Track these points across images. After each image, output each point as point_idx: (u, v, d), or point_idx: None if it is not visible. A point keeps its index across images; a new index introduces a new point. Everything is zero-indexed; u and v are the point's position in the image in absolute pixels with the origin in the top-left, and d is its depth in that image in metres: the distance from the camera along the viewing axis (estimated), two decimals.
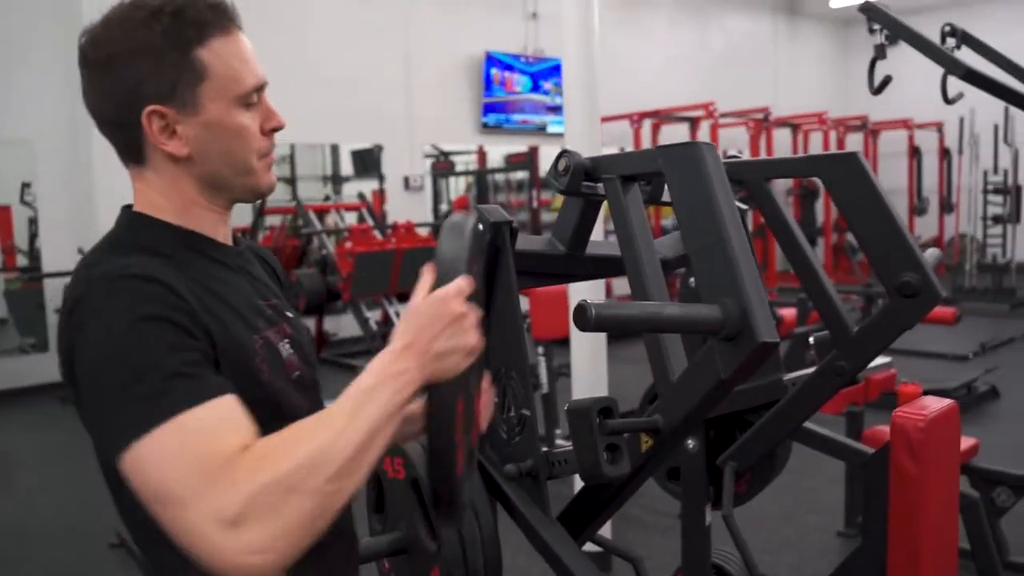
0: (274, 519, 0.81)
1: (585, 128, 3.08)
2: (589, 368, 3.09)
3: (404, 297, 7.70)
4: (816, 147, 12.26)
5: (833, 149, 12.54)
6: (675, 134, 10.72)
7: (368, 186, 9.46)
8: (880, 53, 3.03)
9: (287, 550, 0.83)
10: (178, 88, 0.99)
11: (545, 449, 1.59)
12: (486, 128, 9.79)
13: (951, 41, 3.28)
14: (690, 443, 2.21)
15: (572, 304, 3.30)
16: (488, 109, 9.75)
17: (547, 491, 1.58)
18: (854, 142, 12.85)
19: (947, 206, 12.77)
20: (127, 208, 1.07)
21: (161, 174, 1.04)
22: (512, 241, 1.63)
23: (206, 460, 0.83)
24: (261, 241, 8.29)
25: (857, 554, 1.60)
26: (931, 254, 2.12)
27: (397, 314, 7.60)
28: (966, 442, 3.25)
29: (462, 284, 1.02)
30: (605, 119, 10.05)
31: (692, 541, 2.33)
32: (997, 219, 10.82)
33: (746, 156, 1.89)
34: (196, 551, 0.82)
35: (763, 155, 10.43)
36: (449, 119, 9.47)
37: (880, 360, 3.67)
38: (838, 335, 1.89)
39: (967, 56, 3.08)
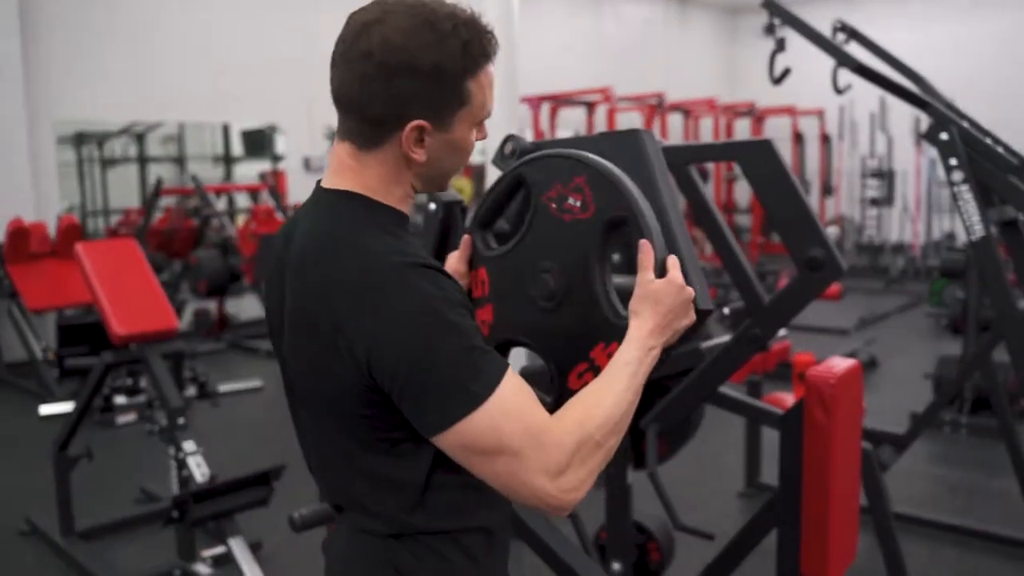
0: (586, 467, 1.03)
1: (506, 111, 3.20)
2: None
3: None
4: (707, 132, 12.71)
5: (723, 134, 13.03)
6: (572, 118, 10.96)
7: (260, 167, 9.33)
8: (780, 46, 3.25)
9: (588, 487, 1.05)
10: (443, 112, 1.10)
11: None
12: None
13: (841, 36, 3.55)
14: None
15: None
16: None
17: None
18: (742, 127, 13.37)
19: (828, 189, 13.45)
20: (343, 191, 1.13)
21: (386, 165, 1.12)
22: (463, 219, 1.74)
23: (530, 423, 1.02)
24: (156, 222, 8.11)
25: (773, 501, 1.78)
26: (832, 232, 2.33)
27: None
28: None
29: (678, 265, 1.20)
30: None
31: (615, 500, 2.49)
32: (874, 202, 11.47)
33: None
34: (520, 492, 1.02)
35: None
36: None
37: (779, 332, 3.93)
38: (752, 305, 2.08)
39: (853, 50, 3.34)
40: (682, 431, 2.53)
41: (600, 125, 10.59)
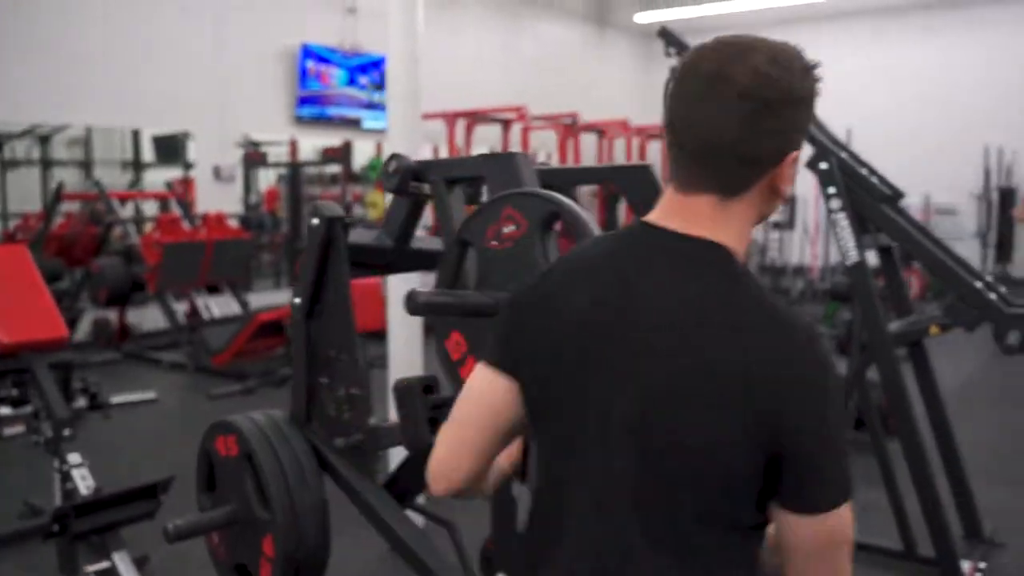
0: None
1: (407, 125, 3.24)
2: (405, 357, 3.26)
3: (213, 289, 7.57)
4: (620, 153, 12.96)
5: (635, 155, 13.32)
6: (488, 134, 11.05)
7: (171, 174, 9.17)
8: (674, 75, 3.37)
9: None
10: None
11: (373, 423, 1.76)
12: (300, 120, 9.72)
13: None
14: None
15: (388, 297, 3.46)
16: (303, 101, 9.68)
17: (374, 461, 1.74)
18: (654, 149, 13.67)
19: None
20: (712, 242, 1.05)
21: (751, 210, 1.07)
22: (345, 234, 1.78)
23: None
24: (56, 228, 7.88)
25: None
26: None
27: (207, 306, 7.45)
28: None
29: None
30: (422, 117, 10.26)
31: (501, 511, 2.54)
32: (776, 225, 11.86)
33: (554, 163, 2.09)
34: None
35: (571, 158, 10.93)
36: (263, 109, 9.34)
37: None
38: None
39: None
40: None
41: (515, 143, 10.71)
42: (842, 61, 13.24)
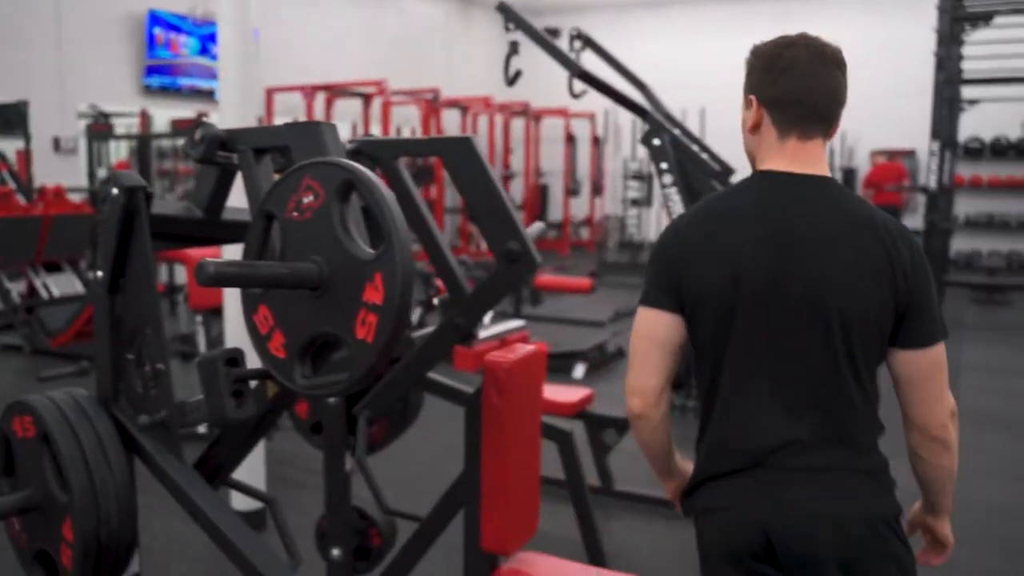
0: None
1: (241, 97, 3.13)
2: (241, 333, 3.16)
3: (52, 267, 7.17)
4: (483, 129, 12.98)
5: (499, 131, 13.37)
6: (349, 108, 10.86)
7: (11, 146, 8.60)
8: (513, 49, 3.40)
9: None
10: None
11: (178, 401, 1.70)
12: (149, 91, 9.30)
13: (577, 44, 3.75)
14: (332, 400, 2.40)
15: None
16: (152, 71, 9.25)
17: (180, 439, 1.69)
18: (517, 126, 13.77)
19: (597, 189, 14.12)
20: (831, 179, 1.55)
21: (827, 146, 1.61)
22: (147, 205, 1.70)
23: None
24: None
25: (458, 481, 1.87)
26: (535, 227, 2.48)
27: (45, 285, 7.04)
28: (582, 392, 3.77)
29: None
30: (278, 90, 9.99)
31: (334, 487, 2.52)
32: (635, 202, 12.17)
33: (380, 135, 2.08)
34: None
35: (433, 134, 10.88)
36: (108, 79, 8.88)
37: (514, 323, 4.09)
38: (456, 296, 2.17)
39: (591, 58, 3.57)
40: (399, 419, 2.60)
41: (375, 117, 10.57)
42: (693, 44, 13.67)
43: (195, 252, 4.20)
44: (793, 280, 1.46)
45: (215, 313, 4.28)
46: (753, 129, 1.58)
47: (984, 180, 12.87)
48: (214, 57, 9.90)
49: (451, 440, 4.35)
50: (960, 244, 12.19)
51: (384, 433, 2.61)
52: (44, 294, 7.05)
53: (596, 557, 2.81)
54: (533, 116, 13.55)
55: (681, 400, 4.99)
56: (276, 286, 1.44)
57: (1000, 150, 12.77)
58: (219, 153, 1.78)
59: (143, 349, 1.72)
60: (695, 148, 3.27)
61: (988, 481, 4.14)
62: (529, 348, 1.84)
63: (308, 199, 1.48)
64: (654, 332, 1.56)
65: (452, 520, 1.95)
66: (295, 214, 1.49)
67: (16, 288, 7.06)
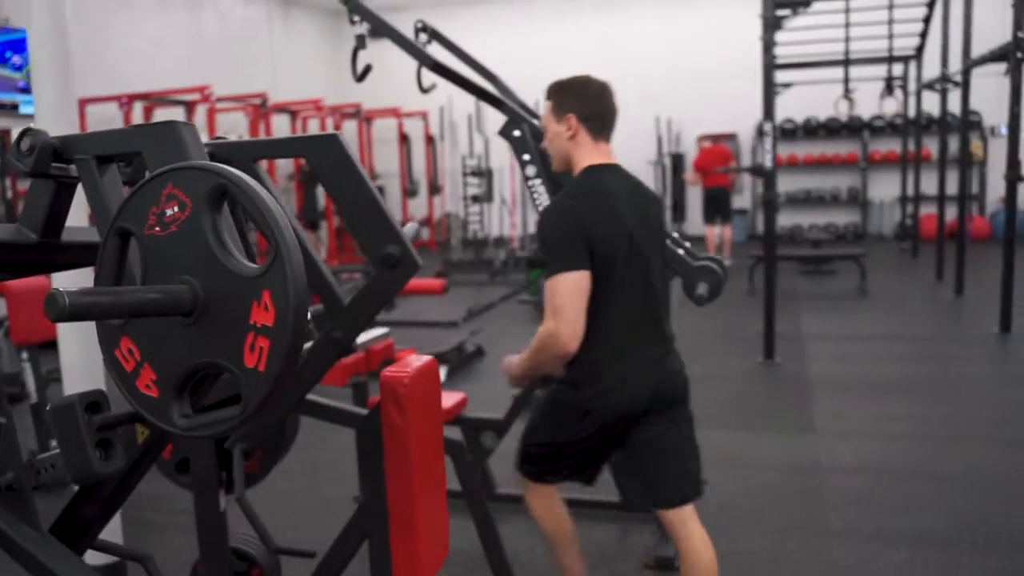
0: None
1: (59, 108, 2.81)
2: (82, 371, 2.85)
3: None
4: (313, 132, 12.60)
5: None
6: (170, 117, 10.26)
7: None
8: (361, 43, 3.22)
9: None
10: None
11: (28, 457, 1.45)
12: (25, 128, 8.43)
13: (423, 37, 3.61)
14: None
15: None
16: None
17: (33, 502, 1.44)
18: (349, 128, 13.45)
19: (435, 188, 14.00)
20: (620, 165, 2.45)
21: None
22: None
23: None
24: None
25: (360, 511, 1.71)
26: (410, 228, 2.33)
27: None
28: (456, 396, 3.65)
29: None
30: (90, 100, 9.30)
31: (208, 529, 2.29)
32: (475, 199, 12.13)
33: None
34: None
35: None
36: None
37: (378, 331, 3.92)
38: (332, 308, 1.99)
39: (438, 51, 3.42)
40: (276, 446, 2.39)
41: (200, 126, 10.03)
42: (527, 38, 13.78)
43: (16, 283, 3.78)
44: (643, 233, 2.32)
45: (44, 347, 3.87)
46: (571, 138, 2.37)
47: (800, 158, 13.64)
48: (16, 68, 9.12)
49: (331, 458, 4.16)
50: (782, 220, 12.87)
51: (259, 463, 2.39)
52: None
53: (502, 572, 2.70)
54: (365, 117, 13.28)
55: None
56: (145, 314, 1.24)
57: (811, 130, 13.57)
58: (53, 164, 1.54)
59: None
60: None
61: (853, 442, 4.32)
62: (423, 359, 1.70)
63: (172, 211, 1.27)
64: (582, 288, 2.19)
65: (355, 555, 1.79)
66: (157, 229, 1.28)
67: None
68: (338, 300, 2.02)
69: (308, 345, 2.12)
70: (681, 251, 3.14)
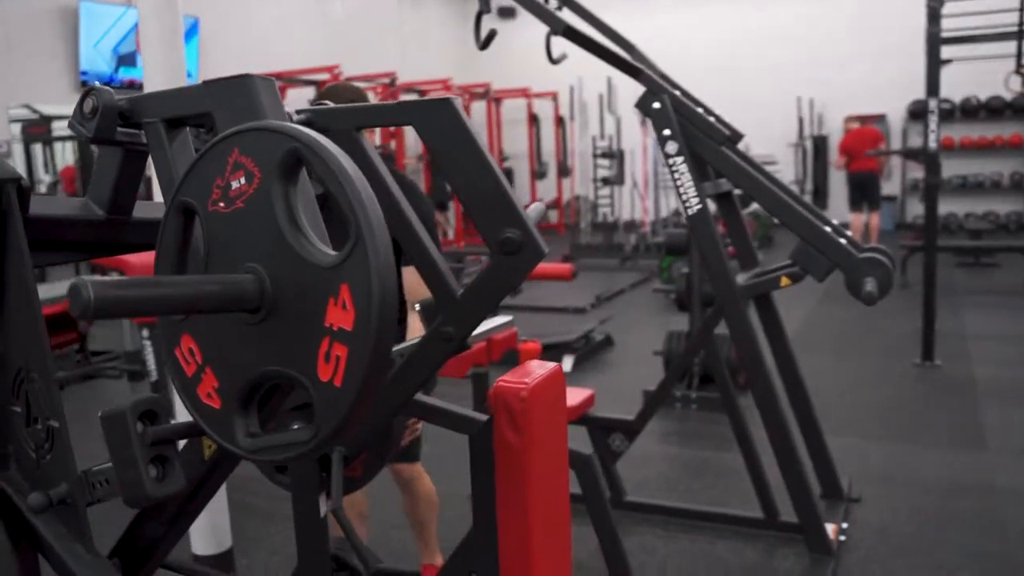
0: None
1: (167, 83, 2.67)
2: None
3: None
4: None
5: None
6: (302, 98, 10.33)
7: None
8: (485, 6, 2.96)
9: None
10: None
11: (83, 469, 1.25)
12: (86, 86, 8.68)
13: (554, 2, 3.31)
14: (296, 427, 1.97)
15: None
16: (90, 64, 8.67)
17: (86, 519, 1.24)
18: (478, 109, 13.30)
19: (564, 170, 13.70)
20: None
21: None
22: (23, 203, 1.25)
23: None
24: None
25: (466, 542, 1.45)
26: (535, 209, 2.04)
27: None
28: (583, 394, 3.35)
29: None
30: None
31: (307, 536, 2.08)
32: (605, 181, 11.76)
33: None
34: None
35: None
36: (41, 77, 8.27)
37: (500, 319, 3.66)
38: (442, 299, 1.73)
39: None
40: (382, 447, 2.16)
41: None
42: (656, 17, 13.28)
43: (135, 258, 3.71)
44: None
45: None
46: None
47: (956, 142, 12.63)
48: None
49: (447, 471, 3.95)
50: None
51: (364, 466, 2.17)
52: None
53: None
54: (494, 98, 13.09)
55: (683, 390, 4.60)
56: (199, 311, 1.00)
57: (970, 111, 12.53)
58: (120, 130, 1.32)
59: (31, 398, 1.27)
60: (700, 111, 2.85)
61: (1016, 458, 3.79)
62: (547, 367, 1.41)
63: (238, 182, 1.03)
64: None
65: None
66: (221, 205, 1.04)
67: None
68: (450, 291, 1.75)
69: (415, 340, 1.88)
70: (844, 240, 2.74)
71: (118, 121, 1.30)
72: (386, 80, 10.37)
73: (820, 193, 12.71)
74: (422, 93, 12.08)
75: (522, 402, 1.30)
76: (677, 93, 2.89)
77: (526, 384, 1.32)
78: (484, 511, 1.39)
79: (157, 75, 2.72)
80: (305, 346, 0.98)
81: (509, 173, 14.11)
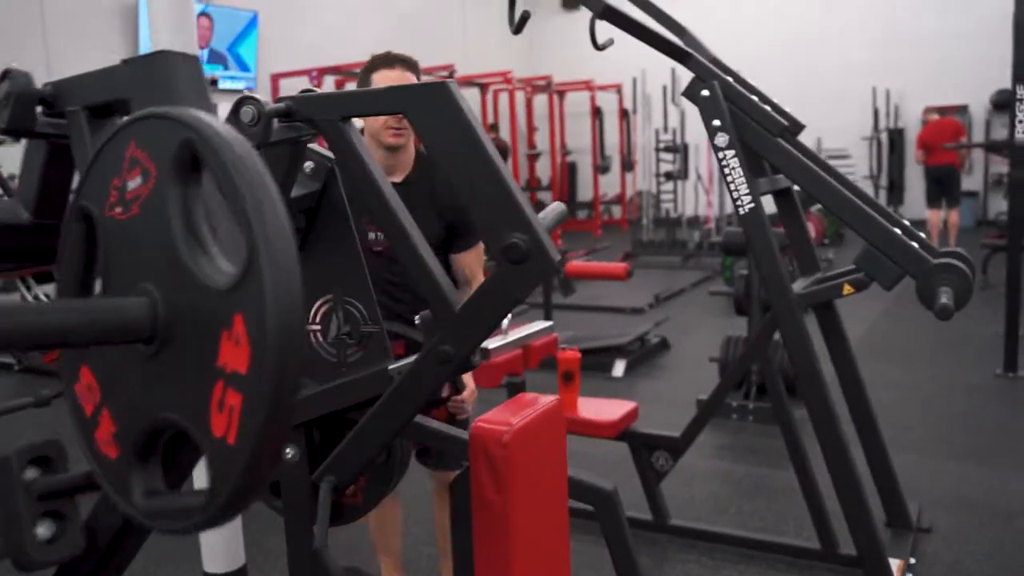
0: None
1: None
2: None
3: (44, 277, 6.70)
4: (504, 107, 12.30)
5: (521, 109, 12.66)
6: None
7: (12, 152, 8.10)
8: None
9: None
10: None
11: None
12: None
13: None
14: (289, 451, 1.79)
15: None
16: None
17: None
18: (540, 102, 13.06)
19: (627, 164, 13.37)
20: None
21: None
22: None
23: None
24: None
25: None
26: (551, 211, 1.81)
27: (38, 296, 6.52)
28: (625, 407, 3.11)
29: None
30: (284, 75, 9.38)
31: (299, 568, 1.89)
32: (668, 176, 11.42)
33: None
34: None
35: None
36: None
37: (540, 324, 3.43)
38: (440, 314, 1.52)
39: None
40: (383, 473, 1.96)
41: None
42: (718, 3, 12.86)
43: None
44: None
45: None
46: None
47: None
48: (214, 44, 9.33)
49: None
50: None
51: (364, 493, 1.98)
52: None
53: None
54: (556, 91, 12.83)
55: (739, 400, 4.31)
56: (69, 344, 0.81)
57: None
58: (46, 119, 1.14)
59: None
60: (754, 99, 2.58)
61: None
62: (544, 402, 1.19)
63: (135, 182, 0.83)
64: None
65: None
66: (118, 210, 0.85)
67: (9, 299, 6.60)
68: (447, 304, 1.54)
69: (409, 361, 1.67)
70: (915, 244, 2.44)
71: (37, 109, 1.12)
72: (444, 73, 10.19)
73: (896, 188, 12.17)
74: (483, 86, 11.90)
75: (503, 448, 1.08)
76: (729, 79, 2.62)
77: (510, 426, 1.09)
78: (464, 562, 1.18)
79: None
80: (197, 390, 0.77)
81: (572, 167, 13.84)
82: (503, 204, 1.44)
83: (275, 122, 1.50)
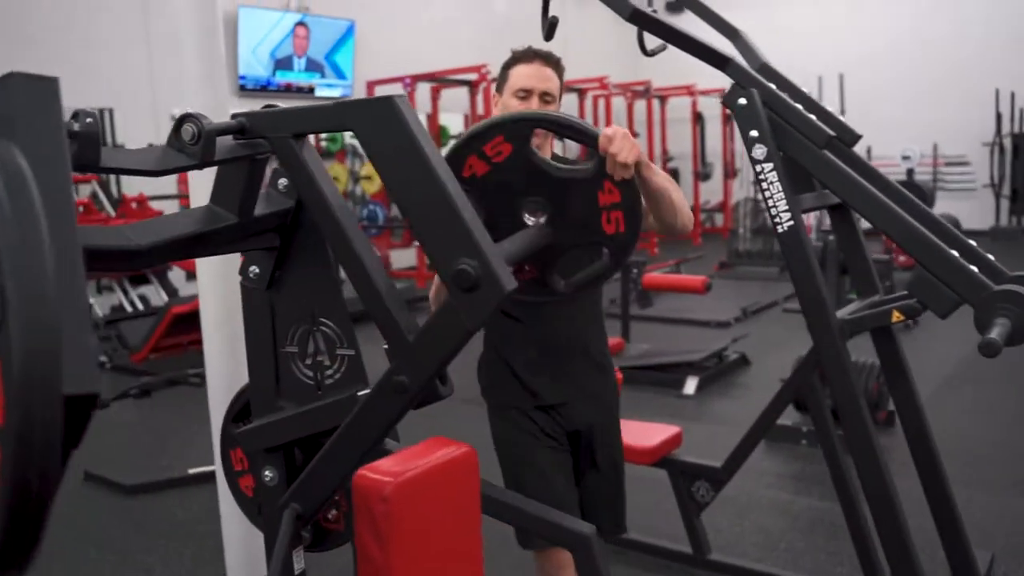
0: None
1: (208, 99, 2.51)
2: (224, 369, 2.54)
3: (138, 279, 7.02)
4: (602, 113, 12.14)
5: (620, 114, 12.47)
6: (454, 97, 10.26)
7: None
8: None
9: None
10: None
11: None
12: (245, 91, 8.95)
13: None
14: (267, 474, 1.74)
15: (202, 288, 2.70)
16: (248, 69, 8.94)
17: None
18: (640, 108, 12.85)
19: (731, 171, 13.01)
20: None
21: None
22: None
23: None
24: None
25: None
26: (522, 236, 1.71)
27: (130, 299, 6.80)
28: (667, 432, 2.95)
29: None
30: (380, 82, 9.49)
31: None
32: None
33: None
34: None
35: None
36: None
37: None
38: (393, 344, 1.43)
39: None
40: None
41: (481, 105, 9.91)
42: (834, 4, 12.36)
43: None
44: None
45: None
46: None
47: None
48: (311, 53, 9.52)
49: None
50: None
51: (344, 519, 1.91)
52: (128, 308, 6.84)
53: None
54: (656, 96, 12.58)
55: (810, 426, 4.06)
56: None
57: None
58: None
59: None
60: (799, 107, 2.39)
61: None
62: (451, 450, 1.08)
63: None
64: None
65: None
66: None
67: (110, 302, 6.96)
68: (400, 334, 1.45)
69: (365, 392, 1.59)
70: (977, 268, 2.20)
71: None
72: None
73: (1019, 198, 11.42)
74: (581, 92, 11.78)
75: (384, 503, 0.98)
76: (772, 87, 2.44)
77: (394, 477, 0.99)
78: None
79: (195, 65, 2.59)
80: None
81: (675, 174, 13.54)
82: (451, 227, 1.35)
83: (230, 139, 1.47)
